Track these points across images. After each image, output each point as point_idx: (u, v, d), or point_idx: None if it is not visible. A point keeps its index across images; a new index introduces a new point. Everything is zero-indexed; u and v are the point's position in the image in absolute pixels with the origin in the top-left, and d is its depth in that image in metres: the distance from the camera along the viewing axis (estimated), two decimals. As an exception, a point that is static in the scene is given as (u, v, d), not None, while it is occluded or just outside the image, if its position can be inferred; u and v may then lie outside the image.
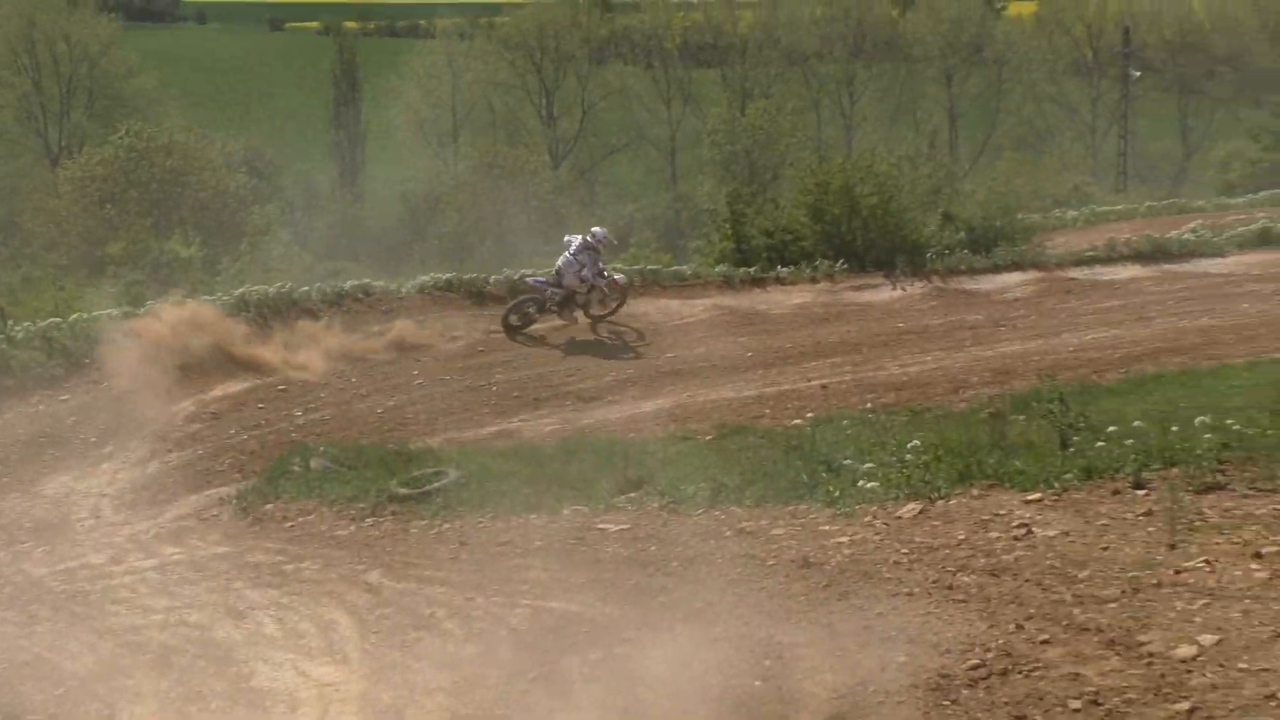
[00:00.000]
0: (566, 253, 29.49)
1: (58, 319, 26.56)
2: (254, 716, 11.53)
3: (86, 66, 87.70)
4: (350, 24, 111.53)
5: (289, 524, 16.43)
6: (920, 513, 11.86)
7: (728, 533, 12.42)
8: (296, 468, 18.70)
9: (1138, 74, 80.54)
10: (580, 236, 29.82)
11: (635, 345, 28.11)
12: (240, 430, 22.32)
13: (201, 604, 13.51)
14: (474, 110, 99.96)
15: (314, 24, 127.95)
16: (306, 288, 29.37)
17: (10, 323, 26.99)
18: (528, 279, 30.08)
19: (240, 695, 11.66)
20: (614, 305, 29.99)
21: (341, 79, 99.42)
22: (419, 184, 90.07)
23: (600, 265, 29.72)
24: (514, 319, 29.25)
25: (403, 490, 16.67)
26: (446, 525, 15.25)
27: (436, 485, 16.63)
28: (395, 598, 12.61)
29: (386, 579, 13.30)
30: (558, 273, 29.44)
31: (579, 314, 29.45)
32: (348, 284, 30.05)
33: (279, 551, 15.15)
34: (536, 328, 28.89)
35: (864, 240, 34.49)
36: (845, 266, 33.66)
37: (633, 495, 14.89)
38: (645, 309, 30.60)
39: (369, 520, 16.03)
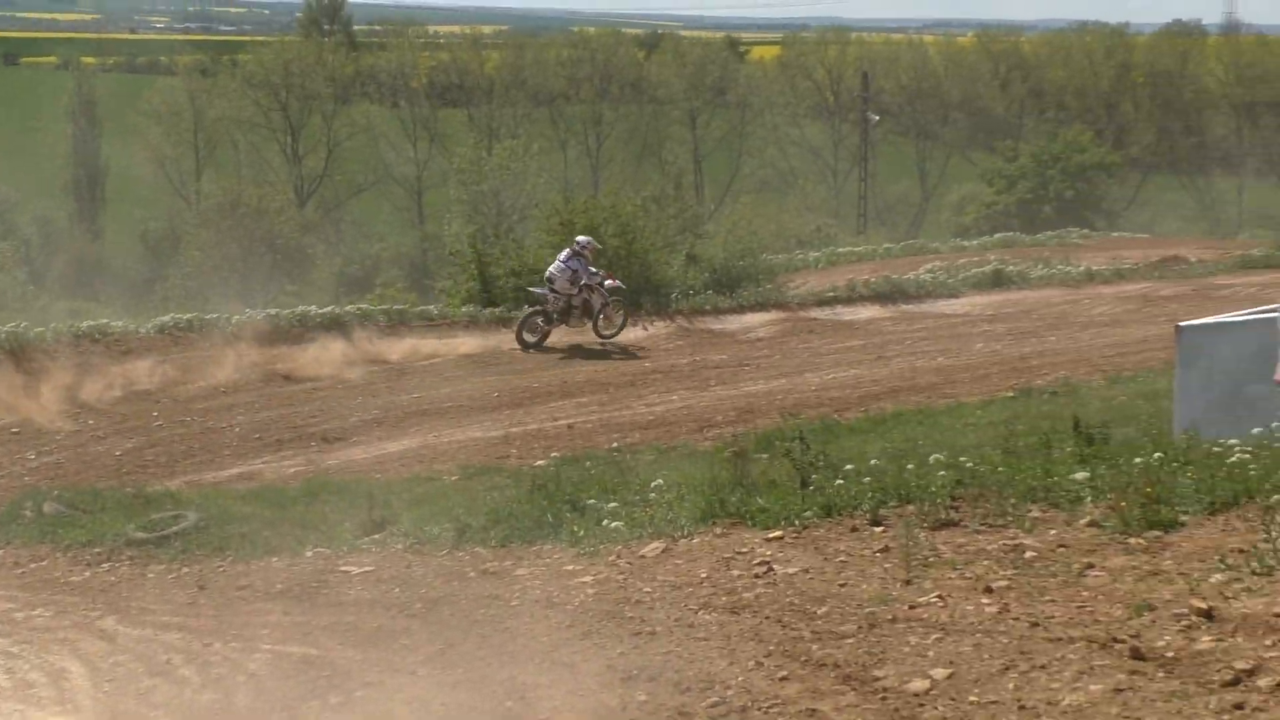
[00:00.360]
0: (557, 261, 31.97)
1: None
2: (-19, 771, 11.16)
3: None
4: (88, 59, 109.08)
5: (20, 571, 15.92)
6: (664, 551, 11.93)
7: (472, 573, 12.37)
8: (28, 513, 18.10)
9: (877, 119, 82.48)
10: (567, 249, 32.21)
11: (384, 385, 27.91)
12: (-31, 475, 21.59)
13: (-73, 655, 13.03)
14: (217, 148, 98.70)
15: (51, 59, 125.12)
16: (42, 328, 28.55)
17: None
18: (529, 289, 32.47)
19: (-34, 749, 11.28)
20: (618, 324, 32.28)
21: (80, 115, 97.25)
22: (160, 222, 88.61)
23: (591, 269, 31.93)
24: (527, 335, 31.61)
25: (140, 534, 16.23)
26: (185, 569, 14.92)
27: (175, 529, 16.23)
28: (130, 644, 12.29)
29: (122, 625, 12.96)
30: (549, 280, 31.79)
31: (589, 328, 32.04)
32: (85, 324, 29.28)
33: (9, 599, 14.66)
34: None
35: (610, 280, 34.67)
36: (592, 306, 33.81)
37: (377, 537, 14.75)
38: (390, 349, 30.42)
39: (105, 565, 15.60)
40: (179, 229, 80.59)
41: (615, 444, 22.20)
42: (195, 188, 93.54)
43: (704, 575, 10.95)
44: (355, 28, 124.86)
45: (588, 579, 11.43)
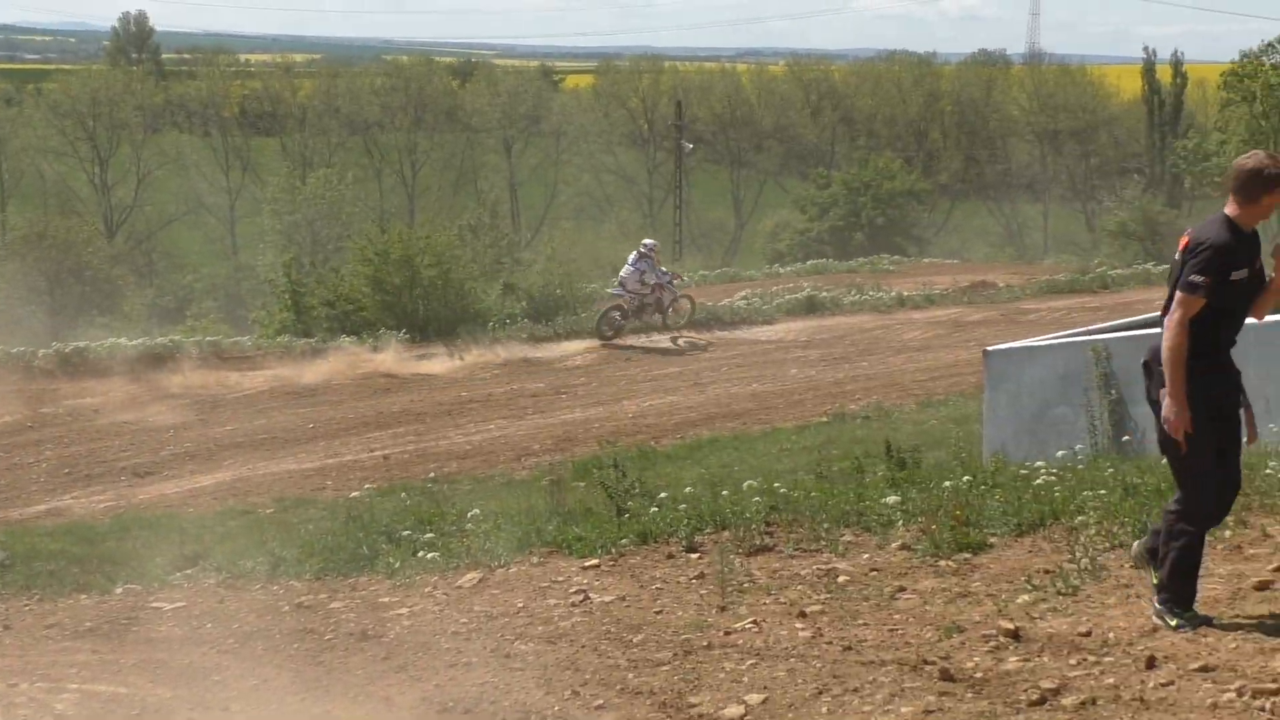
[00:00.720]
0: (627, 265, 36.29)
1: None
2: None
3: None
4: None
5: None
6: (480, 582, 11.87)
7: (285, 607, 12.19)
8: None
9: (691, 146, 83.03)
10: (635, 252, 36.49)
11: (197, 418, 27.52)
12: None
13: None
14: (23, 178, 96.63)
15: None
16: None
17: None
18: (607, 290, 37.86)
19: None
20: (687, 311, 36.67)
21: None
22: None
23: (661, 270, 36.55)
24: (605, 329, 35.59)
25: (-58, 575, 15.85)
26: (-10, 610, 14.56)
27: (-21, 569, 15.87)
28: (-69, 688, 11.97)
29: (-77, 669, 12.62)
30: (621, 283, 36.15)
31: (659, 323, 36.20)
32: (-115, 358, 28.57)
33: None
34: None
35: (426, 310, 34.56)
36: (408, 336, 33.67)
37: (189, 572, 14.49)
38: (204, 380, 30.04)
39: (-95, 608, 15.18)
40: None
41: (432, 474, 22.11)
42: (1, 219, 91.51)
43: (520, 605, 10.91)
44: (164, 56, 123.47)
45: (403, 611, 11.33)
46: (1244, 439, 8.22)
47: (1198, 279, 7.82)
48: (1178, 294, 7.94)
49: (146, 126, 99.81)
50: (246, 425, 26.86)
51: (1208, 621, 8.09)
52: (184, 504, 20.84)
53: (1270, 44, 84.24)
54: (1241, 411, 8.13)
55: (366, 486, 21.22)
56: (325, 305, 34.95)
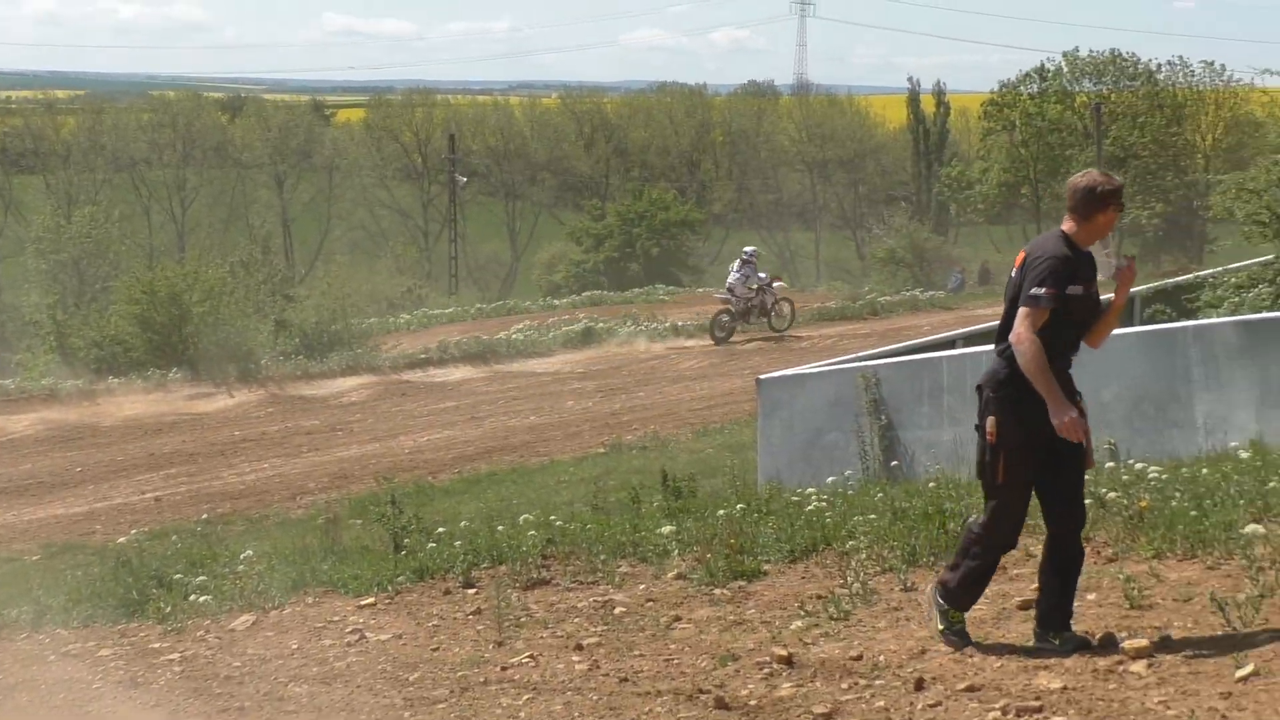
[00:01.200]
0: (732, 273, 40.19)
1: None
2: None
3: None
4: None
5: None
6: (254, 624, 11.68)
7: (52, 657, 11.88)
8: None
9: (465, 180, 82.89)
10: (738, 259, 40.46)
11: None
12: None
13: None
14: None
15: None
16: None
17: None
18: (715, 295, 42.12)
19: None
20: (789, 314, 40.73)
21: None
22: None
23: (761, 274, 40.55)
24: (718, 332, 39.41)
25: None
26: None
27: None
28: None
29: None
30: (730, 289, 40.10)
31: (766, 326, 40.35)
32: None
33: None
34: None
35: (196, 348, 34.00)
36: (179, 375, 33.10)
37: (-49, 625, 14.07)
38: (-35, 426, 29.24)
39: None
40: None
41: (205, 515, 21.75)
42: None
43: (295, 646, 10.77)
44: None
45: (174, 656, 11.11)
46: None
47: (1039, 290, 7.79)
48: (1020, 309, 7.85)
49: None
50: (10, 470, 26.20)
51: (968, 641, 8.20)
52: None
53: (1028, 74, 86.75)
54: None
55: (136, 530, 20.76)
56: (93, 346, 34.21)
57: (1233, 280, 25.02)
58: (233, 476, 25.55)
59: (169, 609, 12.52)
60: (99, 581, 14.25)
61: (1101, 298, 8.15)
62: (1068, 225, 8.02)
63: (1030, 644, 8.15)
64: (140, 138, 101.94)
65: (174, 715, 9.60)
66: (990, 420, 7.96)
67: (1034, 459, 7.92)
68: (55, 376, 33.31)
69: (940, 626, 8.26)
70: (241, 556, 14.13)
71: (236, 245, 78.03)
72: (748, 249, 41.95)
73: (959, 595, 8.24)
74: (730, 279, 40.31)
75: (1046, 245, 8.03)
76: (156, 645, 11.61)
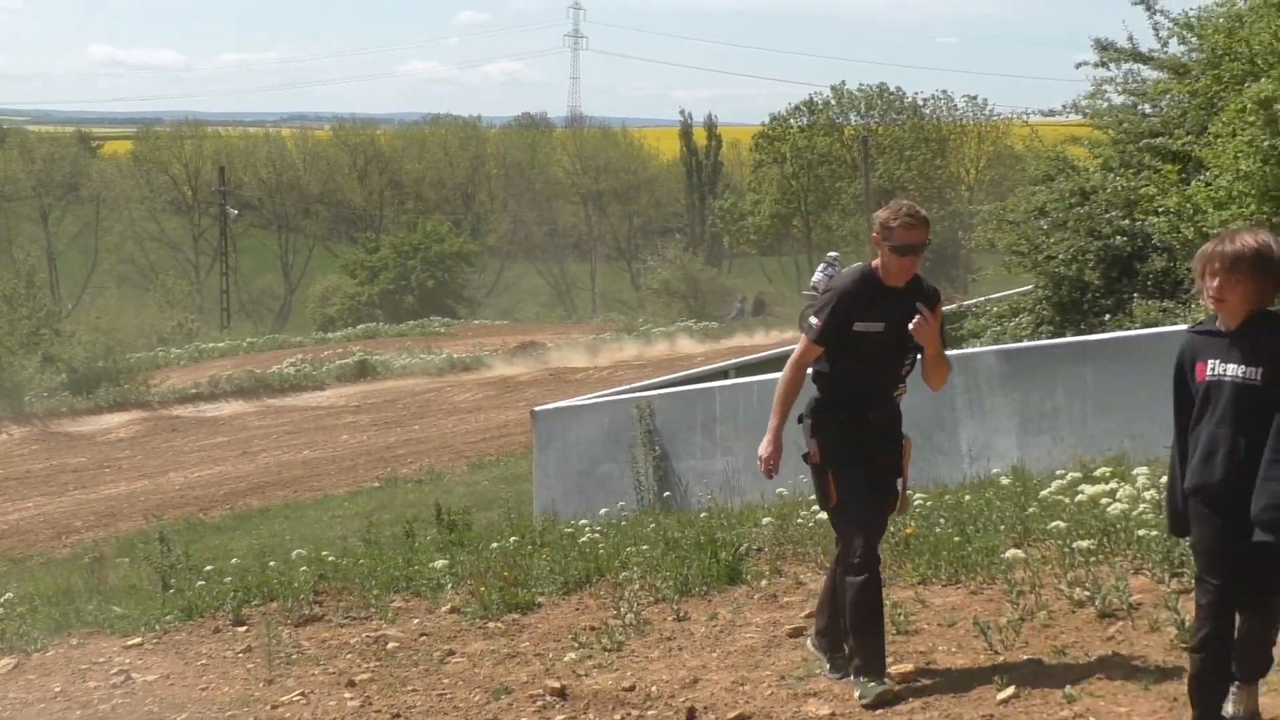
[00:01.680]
0: (817, 272, 38.48)
1: None
2: None
3: None
4: None
5: None
6: (15, 668, 11.38)
7: None
8: None
9: (236, 212, 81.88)
10: (823, 262, 39.71)
11: None
12: None
13: None
14: None
15: None
16: None
17: None
18: (803, 293, 40.61)
19: None
20: None
21: None
22: None
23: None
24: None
25: None
26: None
27: None
28: None
29: None
30: (814, 287, 36.78)
31: None
32: None
33: None
34: None
35: (-43, 385, 33.13)
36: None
37: None
38: None
39: None
40: None
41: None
42: None
43: (58, 689, 10.51)
44: None
45: (-68, 703, 10.78)
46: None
47: (811, 321, 7.61)
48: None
49: None
50: None
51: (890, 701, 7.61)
52: None
53: (797, 107, 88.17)
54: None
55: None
56: None
57: (994, 310, 25.63)
58: (-7, 516, 24.86)
59: None
60: None
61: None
62: (877, 259, 7.70)
63: (805, 670, 8.19)
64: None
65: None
66: (812, 443, 7.72)
67: (862, 476, 7.66)
68: None
69: (862, 700, 7.56)
70: (1, 599, 13.76)
71: (0, 279, 76.05)
72: (831, 254, 41.88)
73: (869, 661, 7.60)
74: (814, 278, 39.96)
75: (840, 278, 7.90)
76: None
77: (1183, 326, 12.15)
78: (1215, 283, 5.82)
